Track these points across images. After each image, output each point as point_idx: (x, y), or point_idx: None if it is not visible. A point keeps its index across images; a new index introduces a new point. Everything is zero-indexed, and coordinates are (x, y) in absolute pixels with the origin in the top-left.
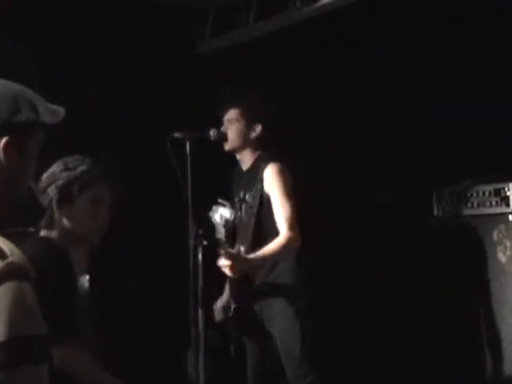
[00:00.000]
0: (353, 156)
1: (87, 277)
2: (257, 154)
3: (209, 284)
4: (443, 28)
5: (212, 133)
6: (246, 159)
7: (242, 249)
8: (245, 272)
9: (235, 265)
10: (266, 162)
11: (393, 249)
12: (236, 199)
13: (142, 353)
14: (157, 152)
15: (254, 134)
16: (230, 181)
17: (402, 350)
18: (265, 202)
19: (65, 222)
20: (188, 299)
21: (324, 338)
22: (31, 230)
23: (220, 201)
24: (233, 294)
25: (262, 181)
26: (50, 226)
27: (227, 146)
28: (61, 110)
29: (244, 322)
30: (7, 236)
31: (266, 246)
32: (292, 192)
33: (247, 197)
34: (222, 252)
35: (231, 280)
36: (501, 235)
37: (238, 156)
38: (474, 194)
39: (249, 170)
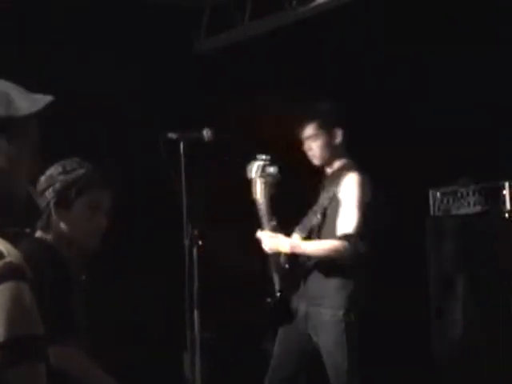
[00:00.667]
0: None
1: (82, 278)
2: (343, 161)
3: (204, 285)
4: (440, 28)
5: (206, 133)
6: (332, 166)
7: (297, 235)
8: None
9: (275, 241)
10: (352, 170)
11: (389, 248)
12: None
13: (138, 354)
14: (152, 152)
15: (337, 141)
16: (226, 181)
17: (398, 350)
18: (334, 204)
19: (61, 225)
20: (184, 301)
21: None
22: (27, 230)
23: (261, 156)
24: (278, 279)
25: (339, 184)
26: (46, 229)
27: (317, 161)
28: (45, 99)
29: (282, 315)
30: (4, 236)
31: (318, 241)
32: (364, 206)
33: (320, 198)
34: (267, 225)
35: (274, 263)
36: (497, 234)
37: (327, 165)
38: (470, 193)
39: (332, 174)
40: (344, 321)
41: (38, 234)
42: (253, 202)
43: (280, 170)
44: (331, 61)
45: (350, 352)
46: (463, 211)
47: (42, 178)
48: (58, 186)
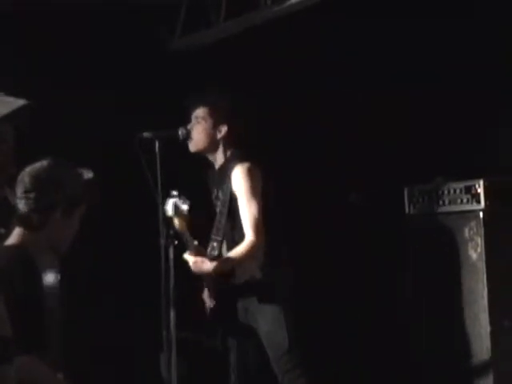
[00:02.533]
0: (324, 155)
1: (58, 277)
2: (228, 153)
3: (181, 285)
4: (416, 25)
5: (181, 132)
6: (217, 159)
7: (215, 244)
8: (204, 273)
9: (198, 266)
10: (236, 162)
11: (365, 247)
12: (212, 196)
13: (114, 355)
14: (127, 152)
15: (219, 135)
16: (200, 180)
17: (375, 348)
18: (233, 201)
19: (56, 229)
20: (160, 300)
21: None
22: (2, 231)
23: (173, 193)
24: (210, 292)
25: (230, 179)
26: (32, 228)
27: (192, 147)
28: (16, 102)
29: (225, 321)
30: None
31: (230, 252)
32: (260, 193)
33: (220, 194)
34: (191, 248)
35: (207, 278)
36: (472, 232)
37: (210, 156)
38: (445, 192)
39: (220, 167)
40: (279, 301)
41: (18, 234)
42: None
43: (190, 206)
44: (305, 59)
45: (289, 331)
46: (438, 210)
47: (44, 175)
48: (71, 192)
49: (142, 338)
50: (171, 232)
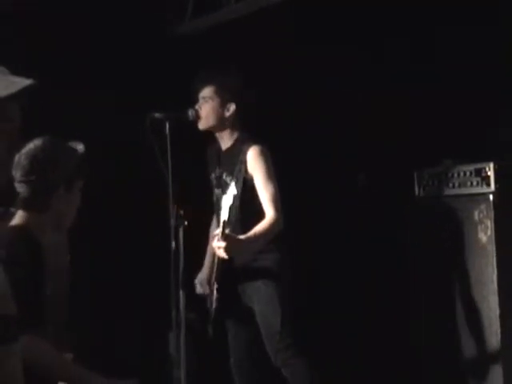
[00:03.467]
0: (333, 139)
1: (68, 257)
2: (236, 134)
3: (190, 265)
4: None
5: (190, 113)
6: (224, 138)
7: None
8: (237, 254)
9: (229, 246)
10: (248, 144)
11: (374, 230)
12: (212, 176)
13: (123, 334)
14: (136, 133)
15: (227, 113)
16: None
17: (382, 328)
18: (248, 185)
19: (60, 206)
20: (169, 281)
21: (303, 317)
22: (12, 210)
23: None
24: (216, 275)
25: (244, 163)
26: (37, 210)
27: (201, 125)
28: (22, 82)
29: (227, 303)
30: None
31: (254, 228)
32: (274, 174)
33: (225, 177)
34: (217, 233)
35: (217, 260)
36: (482, 215)
37: (217, 134)
38: (455, 175)
39: (228, 149)
40: (274, 282)
41: (21, 216)
42: None
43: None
44: (317, 42)
45: (283, 312)
46: (448, 192)
47: (40, 156)
48: (67, 168)
49: (151, 317)
50: (181, 213)
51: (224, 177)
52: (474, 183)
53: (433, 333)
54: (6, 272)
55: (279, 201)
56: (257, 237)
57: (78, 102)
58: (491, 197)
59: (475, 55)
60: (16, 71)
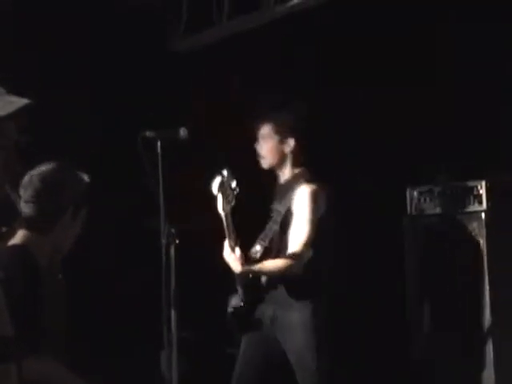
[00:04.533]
0: (325, 155)
1: (60, 278)
2: (297, 170)
3: (182, 284)
4: (423, 25)
5: (182, 132)
6: (285, 173)
7: (258, 248)
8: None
9: (230, 260)
10: (302, 181)
11: (366, 247)
12: (271, 208)
13: (115, 352)
14: (129, 150)
15: (288, 149)
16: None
17: (375, 348)
18: (289, 216)
19: (63, 231)
20: (161, 299)
21: None
22: (3, 229)
23: (223, 171)
24: (243, 290)
25: (292, 196)
26: (40, 231)
27: (265, 164)
28: (19, 102)
29: (249, 322)
30: None
31: (268, 262)
32: (318, 217)
33: (277, 206)
34: (231, 237)
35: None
36: (474, 233)
37: (278, 171)
38: (447, 192)
39: (286, 182)
40: (312, 321)
41: (22, 235)
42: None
43: (237, 183)
44: (307, 60)
45: (318, 351)
46: (440, 210)
47: (50, 179)
48: (76, 193)
49: (143, 335)
50: (172, 231)
51: (273, 209)
52: (467, 201)
53: (427, 349)
54: (3, 292)
55: (305, 247)
56: (263, 271)
57: (70, 119)
58: (483, 215)
59: (468, 74)
60: (13, 88)
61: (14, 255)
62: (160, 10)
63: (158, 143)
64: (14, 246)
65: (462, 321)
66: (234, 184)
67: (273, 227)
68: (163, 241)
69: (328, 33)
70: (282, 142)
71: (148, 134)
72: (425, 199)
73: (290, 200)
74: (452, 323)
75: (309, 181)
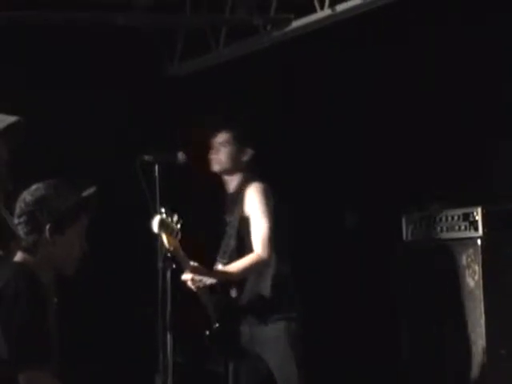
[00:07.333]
0: (322, 180)
1: (55, 301)
2: (243, 176)
3: (177, 308)
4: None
5: (180, 156)
6: (233, 181)
7: (220, 267)
8: (208, 285)
9: (196, 277)
10: (249, 183)
11: (362, 273)
12: (224, 223)
13: (110, 376)
14: (127, 174)
15: (245, 158)
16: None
17: (371, 374)
18: (243, 223)
19: (51, 249)
20: (156, 323)
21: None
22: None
23: (161, 209)
24: (213, 311)
25: (242, 200)
26: (30, 251)
27: (217, 167)
28: (7, 119)
29: (228, 343)
30: None
31: (235, 262)
32: (272, 212)
33: (230, 218)
34: (187, 267)
35: (205, 296)
36: (469, 259)
37: (226, 177)
38: (443, 219)
39: (235, 191)
40: (286, 336)
41: (20, 256)
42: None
43: (178, 219)
44: (305, 85)
45: (298, 364)
46: (436, 236)
47: (29, 198)
48: (54, 210)
49: (138, 359)
50: (169, 255)
51: (227, 217)
52: (462, 227)
53: (421, 376)
54: (8, 309)
55: (269, 239)
56: (233, 269)
57: (64, 141)
58: (479, 241)
59: (466, 101)
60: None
61: (15, 271)
62: (158, 35)
63: (156, 167)
64: (16, 263)
65: (457, 348)
66: (175, 218)
67: (230, 242)
68: (160, 265)
69: (325, 57)
70: (241, 149)
71: (146, 157)
72: (420, 225)
73: (240, 207)
74: (446, 350)
75: (256, 180)
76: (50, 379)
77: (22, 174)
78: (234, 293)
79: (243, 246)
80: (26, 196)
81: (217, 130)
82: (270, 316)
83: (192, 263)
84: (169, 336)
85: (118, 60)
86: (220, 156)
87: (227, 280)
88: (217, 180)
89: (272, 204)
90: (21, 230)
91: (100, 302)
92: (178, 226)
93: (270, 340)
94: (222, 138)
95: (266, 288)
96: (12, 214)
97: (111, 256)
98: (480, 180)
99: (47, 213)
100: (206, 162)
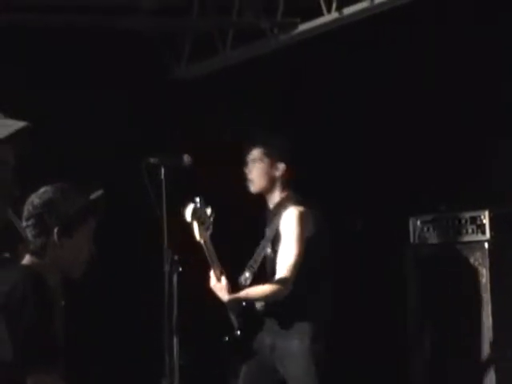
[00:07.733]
0: (330, 184)
1: (62, 304)
2: (284, 193)
3: (184, 311)
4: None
5: (186, 158)
6: (273, 198)
7: (248, 275)
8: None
9: (216, 290)
10: (292, 203)
11: (369, 276)
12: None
13: (117, 380)
14: (133, 177)
15: (277, 173)
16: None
17: (380, 378)
18: (276, 240)
19: (59, 252)
20: (163, 326)
21: None
22: (7, 255)
23: (196, 199)
24: (235, 318)
25: (278, 221)
26: (39, 254)
27: (253, 188)
28: (16, 125)
29: (246, 352)
30: None
31: (254, 288)
32: (304, 240)
33: (267, 231)
34: (214, 264)
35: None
36: (477, 263)
37: (268, 196)
38: (450, 222)
39: (274, 208)
40: (311, 349)
41: (27, 259)
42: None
43: (212, 210)
44: (312, 88)
45: (319, 378)
46: (443, 240)
47: (37, 201)
48: (62, 213)
49: (145, 363)
50: (175, 258)
51: (266, 231)
52: (470, 231)
53: (429, 377)
54: (15, 312)
55: (292, 269)
56: (249, 296)
57: (69, 143)
58: (486, 245)
59: (467, 104)
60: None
61: (23, 274)
62: (165, 38)
63: (162, 170)
64: (23, 266)
65: (464, 351)
66: (208, 211)
67: (261, 252)
68: (166, 268)
69: (332, 61)
70: (272, 165)
71: (152, 160)
72: (428, 228)
73: (277, 224)
74: (453, 353)
75: (296, 203)
76: (57, 382)
77: (22, 174)
78: (259, 305)
79: (274, 259)
80: (34, 199)
81: (248, 147)
82: (295, 330)
83: (218, 263)
84: (175, 339)
85: (126, 63)
86: (253, 175)
87: (242, 301)
88: (222, 184)
89: (309, 231)
90: (29, 233)
91: (107, 305)
92: (211, 219)
93: (293, 353)
94: (253, 155)
95: (296, 308)
96: (20, 217)
97: (117, 259)
98: (481, 180)
99: (55, 216)
100: (212, 165)
